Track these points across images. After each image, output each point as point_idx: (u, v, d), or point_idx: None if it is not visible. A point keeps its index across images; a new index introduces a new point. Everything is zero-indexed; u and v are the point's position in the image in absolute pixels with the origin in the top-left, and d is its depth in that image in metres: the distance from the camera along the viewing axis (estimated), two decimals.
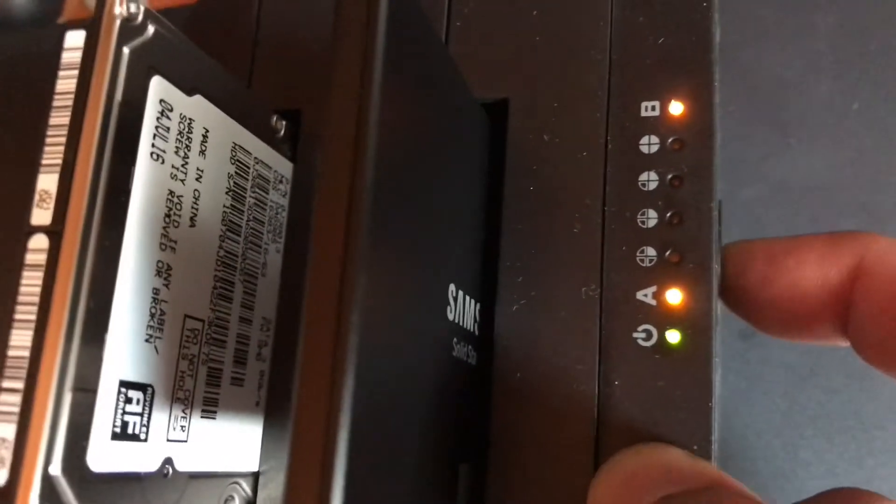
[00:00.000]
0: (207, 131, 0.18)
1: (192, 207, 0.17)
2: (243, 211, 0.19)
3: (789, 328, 0.19)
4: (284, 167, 0.21)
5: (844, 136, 0.26)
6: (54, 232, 0.14)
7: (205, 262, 0.18)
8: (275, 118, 0.20)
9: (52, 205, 0.15)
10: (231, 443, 0.19)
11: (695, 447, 0.17)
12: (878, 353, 0.18)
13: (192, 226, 0.17)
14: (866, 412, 0.23)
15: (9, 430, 0.14)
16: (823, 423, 0.23)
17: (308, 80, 0.21)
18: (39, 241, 0.14)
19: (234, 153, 0.19)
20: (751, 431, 0.23)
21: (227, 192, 0.18)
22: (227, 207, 0.18)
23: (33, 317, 0.14)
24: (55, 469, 0.14)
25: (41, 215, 0.15)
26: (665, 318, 0.17)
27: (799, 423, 0.24)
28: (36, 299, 0.14)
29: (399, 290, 0.14)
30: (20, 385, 0.14)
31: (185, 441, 0.17)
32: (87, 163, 0.14)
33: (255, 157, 0.19)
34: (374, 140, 0.13)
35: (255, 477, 0.19)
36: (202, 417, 0.18)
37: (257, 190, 0.19)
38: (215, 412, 0.18)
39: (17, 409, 0.14)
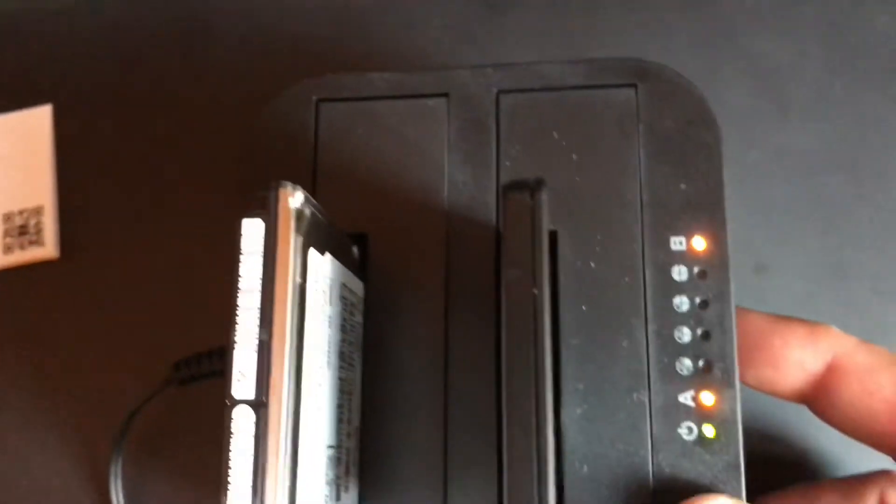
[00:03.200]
0: (332, 282, 0.20)
1: (327, 352, 0.20)
2: (345, 340, 0.22)
3: (763, 388, 0.24)
4: (359, 288, 0.23)
5: (832, 111, 0.32)
6: (259, 405, 0.17)
7: (333, 395, 0.20)
8: (354, 248, 0.23)
9: (253, 380, 0.17)
10: None
11: None
12: (842, 424, 0.23)
13: (329, 368, 0.20)
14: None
15: None
16: None
17: (371, 206, 0.24)
18: (246, 413, 0.17)
19: (342, 292, 0.21)
20: None
21: (339, 328, 0.21)
22: (340, 341, 0.21)
23: (248, 484, 0.16)
24: None
25: (243, 389, 0.17)
26: (702, 416, 0.22)
27: None
28: (249, 467, 0.17)
29: None
30: None
31: None
32: (283, 343, 0.17)
33: (349, 289, 0.22)
34: (547, 317, 0.17)
35: None
36: None
37: (350, 316, 0.22)
38: None
39: None
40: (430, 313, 0.23)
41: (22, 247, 0.35)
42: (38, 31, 0.36)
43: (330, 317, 0.20)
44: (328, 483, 0.20)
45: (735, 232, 0.32)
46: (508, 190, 0.18)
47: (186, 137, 0.34)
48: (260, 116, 0.25)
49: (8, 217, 0.35)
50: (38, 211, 0.35)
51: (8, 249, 0.35)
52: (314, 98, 0.25)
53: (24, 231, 0.35)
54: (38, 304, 0.34)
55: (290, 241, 0.17)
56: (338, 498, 0.21)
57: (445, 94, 0.25)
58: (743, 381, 0.24)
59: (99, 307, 0.34)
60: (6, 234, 0.35)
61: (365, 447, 0.23)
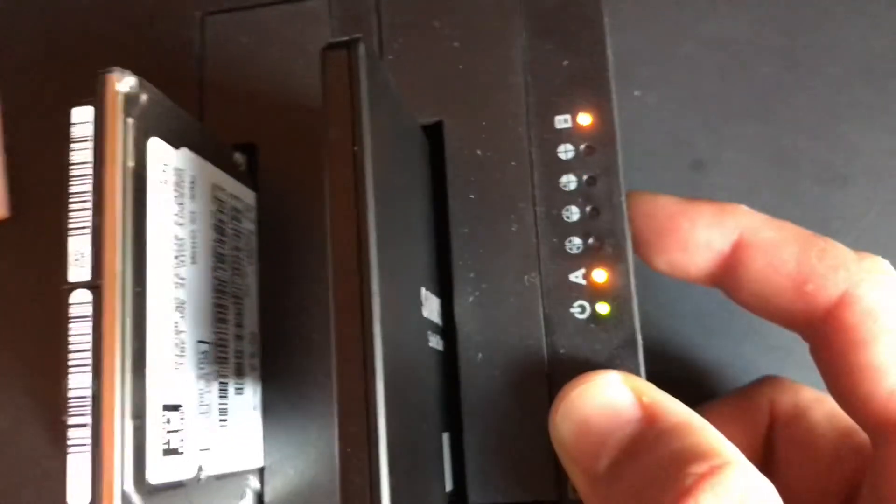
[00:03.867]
0: (194, 178, 0.20)
1: (192, 246, 0.20)
2: (226, 242, 0.21)
3: (675, 272, 0.23)
4: (249, 197, 0.23)
5: None
6: (95, 286, 0.17)
7: (205, 292, 0.20)
8: (237, 154, 0.23)
9: (87, 263, 0.17)
10: (241, 444, 0.21)
11: None
12: (750, 303, 0.23)
13: (194, 263, 0.20)
14: None
15: (84, 459, 0.16)
16: None
17: (259, 116, 0.24)
18: (82, 296, 0.17)
19: (214, 193, 0.21)
20: None
21: (212, 228, 0.21)
22: (215, 241, 0.21)
23: (88, 361, 0.17)
24: (128, 486, 0.16)
25: (79, 273, 0.17)
26: (594, 294, 0.21)
27: None
28: (87, 346, 0.17)
29: (394, 295, 0.18)
30: (86, 421, 0.16)
31: (210, 449, 0.20)
32: (114, 225, 0.17)
33: (230, 193, 0.22)
34: (370, 174, 0.16)
35: (261, 471, 0.22)
36: (219, 426, 0.20)
37: (234, 221, 0.22)
38: (227, 420, 0.21)
39: (87, 442, 0.16)
40: (320, 217, 0.23)
41: None
42: None
43: (193, 212, 0.20)
44: (202, 377, 0.20)
45: (668, 129, 0.31)
46: (324, 51, 0.17)
47: None
48: (145, 35, 0.25)
49: None
50: None
51: None
52: (198, 13, 0.25)
53: None
54: None
55: (119, 123, 0.17)
56: (224, 396, 0.21)
57: None
58: (655, 268, 0.24)
59: (51, 261, 0.34)
60: None
61: (267, 354, 0.23)
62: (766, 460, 0.24)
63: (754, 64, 0.31)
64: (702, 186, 0.31)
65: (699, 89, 0.31)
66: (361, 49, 0.17)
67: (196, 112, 0.24)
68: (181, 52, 0.25)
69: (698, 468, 0.17)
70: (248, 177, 0.23)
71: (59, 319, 0.33)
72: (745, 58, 0.31)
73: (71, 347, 0.17)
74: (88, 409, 0.16)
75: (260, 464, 0.22)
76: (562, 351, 0.21)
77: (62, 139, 0.34)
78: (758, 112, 0.31)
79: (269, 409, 0.23)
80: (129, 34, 0.25)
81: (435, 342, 0.21)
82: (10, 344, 0.34)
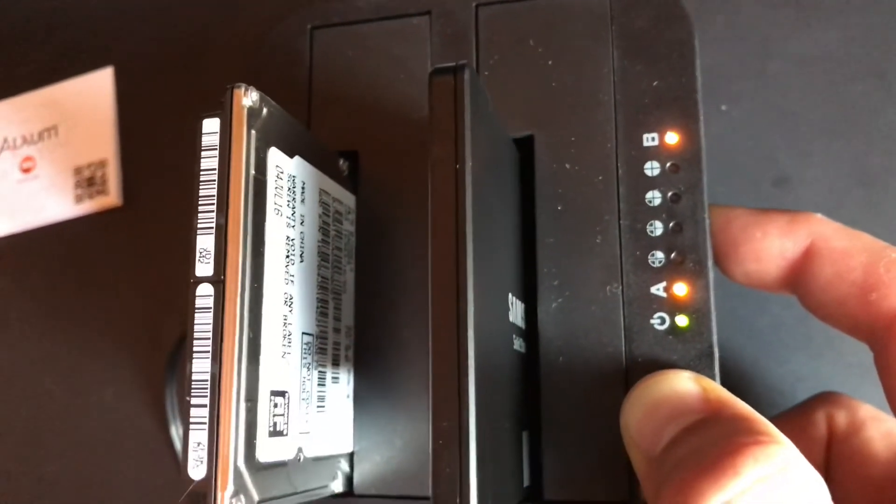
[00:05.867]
0: (304, 183, 0.22)
1: (301, 246, 0.21)
2: (329, 242, 0.23)
3: (751, 282, 0.24)
4: (350, 200, 0.25)
5: (855, 13, 0.31)
6: (218, 281, 0.19)
7: (310, 289, 0.22)
8: (341, 161, 0.25)
9: (212, 260, 0.19)
10: (335, 430, 0.23)
11: None
12: (818, 310, 0.23)
13: (302, 261, 0.21)
14: None
15: (202, 436, 0.18)
16: None
17: (361, 124, 0.26)
18: (206, 289, 0.19)
19: (320, 197, 0.23)
20: None
21: (318, 230, 0.23)
22: (319, 241, 0.23)
23: (209, 348, 0.18)
24: (241, 462, 0.18)
25: (204, 268, 0.19)
26: (674, 306, 0.22)
27: None
28: (209, 335, 0.18)
29: (486, 302, 0.19)
30: (206, 401, 0.18)
31: (309, 433, 0.21)
32: (237, 227, 0.19)
33: (333, 197, 0.24)
34: (469, 191, 0.18)
35: (351, 456, 0.24)
36: (317, 412, 0.22)
37: (336, 223, 0.24)
38: (324, 407, 0.22)
39: (206, 420, 0.18)
40: (418, 223, 0.25)
41: (91, 196, 0.38)
42: None
43: (302, 215, 0.22)
44: (306, 366, 0.21)
45: (753, 144, 0.32)
46: (432, 75, 0.18)
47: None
48: (260, 46, 0.27)
49: (78, 170, 0.39)
50: (102, 164, 0.38)
51: (79, 199, 0.39)
52: (308, 26, 0.27)
53: (92, 182, 0.38)
54: (106, 247, 0.38)
55: (244, 135, 0.19)
56: (322, 384, 0.22)
57: (428, 12, 0.26)
58: (732, 279, 0.24)
59: (158, 247, 0.37)
60: (77, 185, 0.39)
61: (360, 346, 0.25)
62: (826, 478, 0.24)
63: (843, 81, 0.31)
64: (784, 203, 0.31)
65: (786, 105, 0.31)
66: (467, 74, 0.18)
67: (304, 119, 0.26)
68: (292, 62, 0.26)
69: (746, 439, 0.17)
70: (349, 181, 0.25)
71: (164, 302, 0.35)
72: (834, 75, 0.31)
73: (195, 336, 0.18)
74: (208, 391, 0.18)
75: (350, 449, 0.24)
76: (640, 360, 0.22)
77: (173, 139, 0.37)
78: (845, 130, 0.31)
79: (360, 398, 0.24)
80: (244, 43, 0.27)
81: (518, 345, 0.22)
82: (117, 322, 0.37)
